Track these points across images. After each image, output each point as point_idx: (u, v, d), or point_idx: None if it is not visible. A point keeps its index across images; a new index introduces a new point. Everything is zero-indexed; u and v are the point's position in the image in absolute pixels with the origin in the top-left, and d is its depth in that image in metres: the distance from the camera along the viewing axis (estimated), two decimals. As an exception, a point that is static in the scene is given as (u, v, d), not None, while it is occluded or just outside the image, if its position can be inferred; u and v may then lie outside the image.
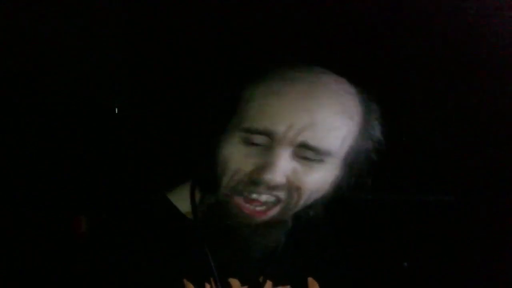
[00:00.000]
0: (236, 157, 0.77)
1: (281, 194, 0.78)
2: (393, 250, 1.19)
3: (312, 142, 0.76)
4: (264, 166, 0.76)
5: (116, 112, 1.02)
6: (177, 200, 0.86)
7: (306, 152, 0.76)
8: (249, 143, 0.77)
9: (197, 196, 0.85)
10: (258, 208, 0.79)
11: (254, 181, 0.76)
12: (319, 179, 0.79)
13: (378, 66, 1.19)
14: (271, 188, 0.76)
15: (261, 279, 0.84)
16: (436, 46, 1.12)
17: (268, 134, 0.75)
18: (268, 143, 0.76)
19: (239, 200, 0.79)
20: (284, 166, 0.76)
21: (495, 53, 1.09)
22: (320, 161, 0.77)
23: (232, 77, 0.84)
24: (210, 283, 0.81)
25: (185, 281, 0.80)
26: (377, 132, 0.83)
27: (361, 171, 0.83)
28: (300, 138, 0.75)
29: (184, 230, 0.83)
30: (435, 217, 1.26)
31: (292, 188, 0.78)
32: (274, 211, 0.79)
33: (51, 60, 1.18)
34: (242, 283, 0.83)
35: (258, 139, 0.76)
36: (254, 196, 0.78)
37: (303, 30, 1.09)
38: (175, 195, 0.87)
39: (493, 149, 1.20)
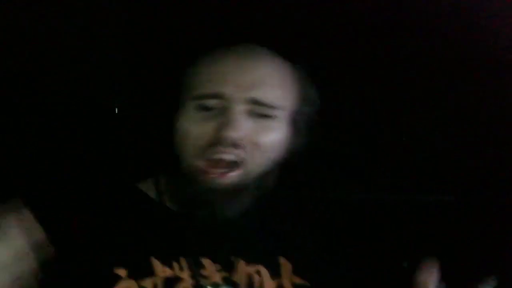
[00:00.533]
0: (194, 124, 0.83)
1: (242, 153, 0.82)
2: (393, 250, 1.19)
3: (261, 97, 0.83)
4: (224, 124, 0.81)
5: (116, 112, 1.02)
6: (146, 188, 0.92)
7: (258, 108, 0.83)
8: (203, 108, 0.83)
9: (165, 182, 0.91)
10: (223, 170, 0.82)
11: (217, 140, 0.81)
12: (275, 137, 0.85)
13: (379, 66, 1.19)
14: (234, 145, 0.81)
15: (233, 258, 0.86)
16: (436, 45, 1.12)
17: (219, 96, 0.82)
18: (221, 105, 0.82)
19: (203, 164, 0.83)
20: (242, 122, 0.82)
21: (495, 53, 1.09)
22: (273, 117, 0.84)
23: (177, 56, 0.94)
24: (179, 262, 0.84)
25: (152, 259, 0.83)
26: (313, 94, 0.91)
27: (306, 131, 0.90)
28: (250, 95, 0.82)
29: (152, 212, 0.88)
30: (435, 217, 1.26)
31: (251, 145, 0.83)
32: (236, 174, 0.83)
33: (51, 60, 1.18)
34: (215, 263, 0.86)
35: (211, 102, 0.82)
36: (217, 156, 0.82)
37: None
38: (145, 185, 0.92)
39: (493, 149, 1.20)
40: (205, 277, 0.84)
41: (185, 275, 0.84)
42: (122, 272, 0.81)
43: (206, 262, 0.86)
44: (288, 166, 0.90)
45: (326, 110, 1.27)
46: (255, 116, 0.83)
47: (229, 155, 0.82)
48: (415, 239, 1.24)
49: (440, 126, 1.25)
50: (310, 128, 0.91)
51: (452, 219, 1.23)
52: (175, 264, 0.84)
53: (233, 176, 0.83)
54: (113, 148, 1.21)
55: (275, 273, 0.88)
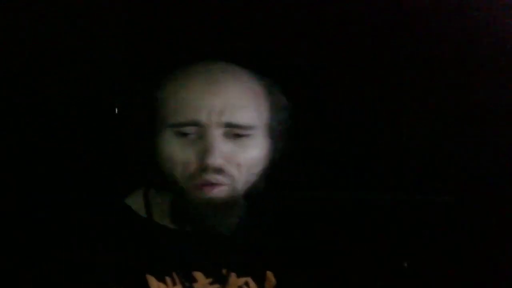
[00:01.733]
0: (176, 150, 0.86)
1: (226, 175, 0.86)
2: (393, 250, 1.19)
3: (234, 120, 0.86)
4: (204, 151, 0.85)
5: (116, 112, 1.02)
6: (133, 203, 0.93)
7: (234, 130, 0.86)
8: (182, 135, 0.86)
9: (153, 197, 0.93)
10: (210, 187, 0.87)
11: (200, 168, 0.85)
12: (254, 153, 0.88)
13: (379, 66, 1.19)
14: (216, 171, 0.85)
15: (224, 272, 0.89)
16: (436, 45, 1.12)
17: (196, 123, 0.85)
18: (199, 131, 0.86)
19: (191, 185, 0.87)
20: (220, 147, 0.85)
21: (495, 52, 1.09)
22: (249, 136, 0.87)
23: (147, 78, 0.95)
24: (172, 277, 0.87)
25: (147, 276, 0.85)
26: (284, 102, 0.93)
27: (284, 138, 0.94)
28: (224, 119, 0.85)
29: (141, 229, 0.91)
30: (435, 217, 1.26)
31: (234, 165, 0.87)
32: (224, 189, 0.87)
33: (51, 60, 1.18)
34: (207, 276, 0.88)
35: (188, 129, 0.86)
36: (203, 182, 0.86)
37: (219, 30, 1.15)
38: (133, 199, 0.94)
39: (493, 149, 1.20)
40: None
41: None
42: None
43: (198, 275, 0.88)
44: (276, 175, 0.94)
45: (327, 111, 1.28)
46: (232, 137, 0.87)
47: (214, 180, 0.86)
48: (415, 239, 1.24)
49: (440, 126, 1.24)
50: (287, 133, 0.94)
51: (452, 219, 1.23)
52: (168, 279, 0.86)
53: (221, 190, 0.87)
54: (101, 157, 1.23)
55: (262, 286, 0.91)
